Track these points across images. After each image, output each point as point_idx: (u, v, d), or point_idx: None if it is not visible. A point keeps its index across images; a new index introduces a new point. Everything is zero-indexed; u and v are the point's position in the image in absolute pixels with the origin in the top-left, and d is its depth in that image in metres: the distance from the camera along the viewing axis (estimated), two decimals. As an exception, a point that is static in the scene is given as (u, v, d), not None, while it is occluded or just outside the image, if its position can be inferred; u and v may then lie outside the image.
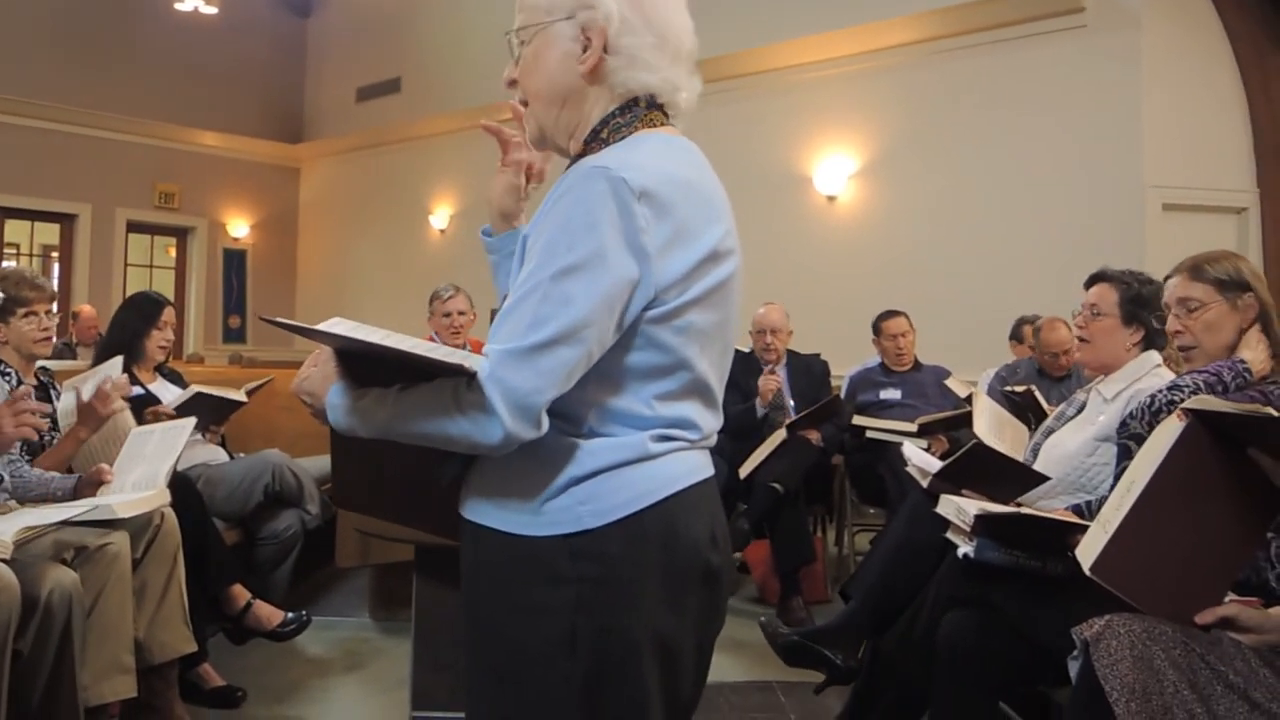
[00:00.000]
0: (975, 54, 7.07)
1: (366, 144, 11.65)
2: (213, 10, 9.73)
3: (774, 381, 4.91)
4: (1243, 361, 2.27)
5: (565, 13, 1.35)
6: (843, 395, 5.23)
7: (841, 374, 5.56)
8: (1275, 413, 1.51)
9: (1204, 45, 6.62)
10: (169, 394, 3.84)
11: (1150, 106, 6.45)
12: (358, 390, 1.29)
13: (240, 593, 3.36)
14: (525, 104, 1.43)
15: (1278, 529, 2.15)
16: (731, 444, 4.79)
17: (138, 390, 3.67)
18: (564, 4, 1.35)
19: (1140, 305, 2.79)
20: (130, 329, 3.81)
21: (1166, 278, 2.45)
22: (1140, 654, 1.60)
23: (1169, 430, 1.64)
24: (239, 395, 3.83)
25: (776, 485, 4.44)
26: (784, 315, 5.14)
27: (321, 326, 1.26)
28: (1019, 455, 2.92)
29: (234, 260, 12.16)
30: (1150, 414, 2.26)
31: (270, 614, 3.37)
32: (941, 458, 3.20)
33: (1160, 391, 2.30)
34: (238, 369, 7.65)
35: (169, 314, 3.88)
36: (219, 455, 3.96)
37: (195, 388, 3.79)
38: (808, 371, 5.19)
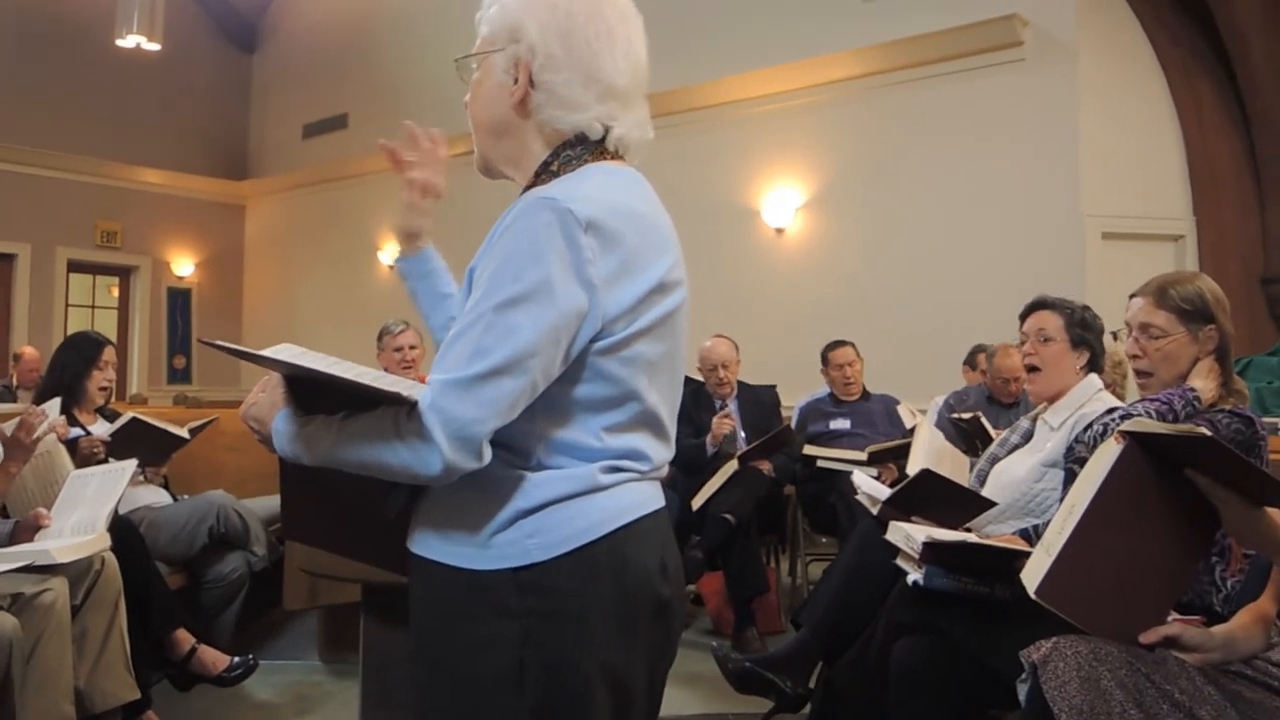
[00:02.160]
0: (918, 87, 7.21)
1: (313, 180, 11.59)
2: (155, 47, 9.61)
3: (727, 425, 4.90)
4: (1193, 390, 2.30)
5: (501, 44, 1.36)
6: (793, 425, 5.26)
7: (792, 404, 5.59)
8: (1208, 432, 1.54)
9: (1138, 77, 6.81)
10: (109, 435, 3.78)
11: (1087, 137, 6.61)
12: (303, 417, 1.28)
13: (184, 637, 3.29)
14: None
15: (1220, 552, 2.19)
16: (683, 477, 4.80)
17: (77, 432, 3.60)
18: (500, 36, 1.36)
19: (1085, 329, 2.83)
20: (70, 370, 3.73)
21: (1132, 296, 2.46)
22: (1087, 675, 1.62)
23: (1108, 453, 1.66)
24: (179, 430, 3.76)
25: (729, 516, 4.44)
26: (732, 348, 5.16)
27: (268, 352, 1.26)
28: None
29: (178, 299, 12.00)
30: (1101, 440, 2.28)
31: (216, 659, 3.30)
32: (891, 485, 3.22)
33: (1113, 419, 2.31)
34: (183, 410, 7.53)
35: (109, 354, 3.80)
36: (162, 497, 3.89)
37: (132, 414, 3.70)
38: (758, 402, 5.21)
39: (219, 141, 12.30)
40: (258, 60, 12.64)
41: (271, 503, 4.29)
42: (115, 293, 11.93)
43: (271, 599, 4.06)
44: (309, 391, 1.29)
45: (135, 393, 10.96)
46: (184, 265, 11.97)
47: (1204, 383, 2.31)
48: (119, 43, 9.55)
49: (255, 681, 3.47)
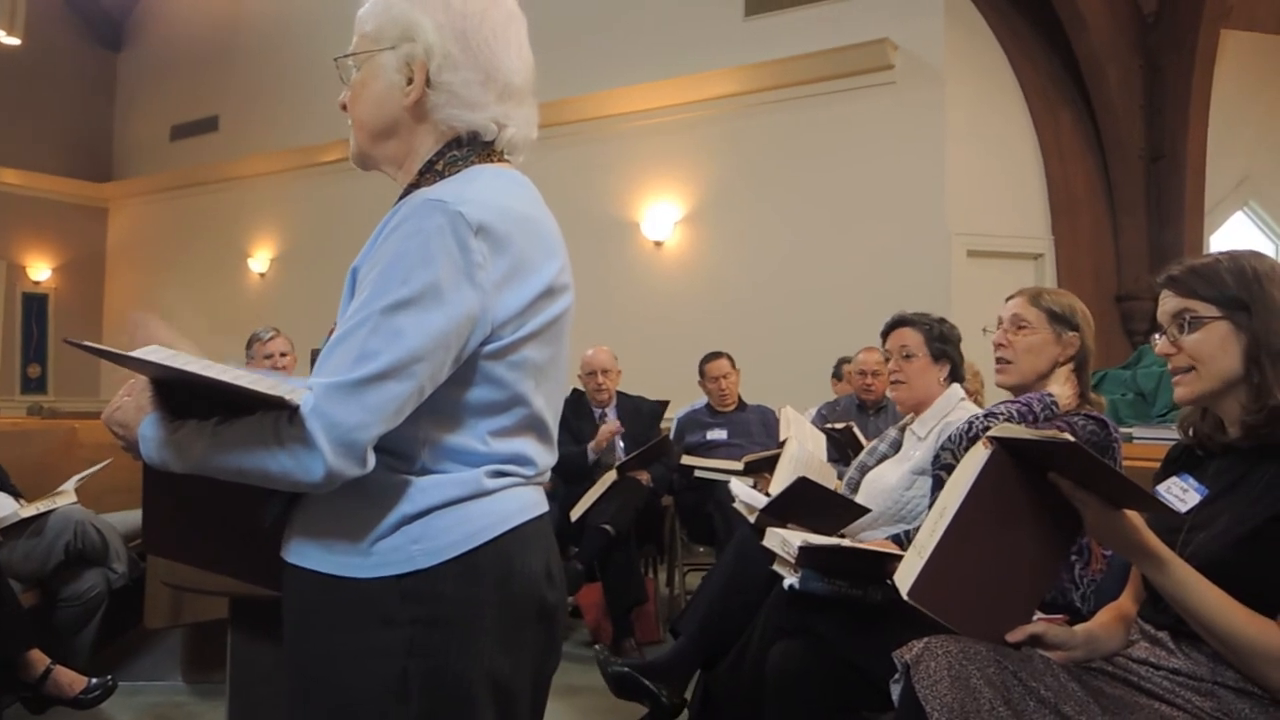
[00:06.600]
0: (793, 107, 7.37)
1: (181, 184, 11.18)
2: (15, 41, 9.17)
3: (612, 429, 4.92)
4: (1051, 395, 2.43)
5: (390, 43, 1.33)
6: (671, 436, 5.30)
7: (671, 415, 5.63)
8: (1071, 438, 1.61)
9: (1002, 102, 7.11)
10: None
11: (954, 159, 6.86)
12: (174, 422, 1.21)
13: (39, 658, 3.15)
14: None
15: (1079, 552, 2.29)
16: (563, 487, 4.78)
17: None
18: (389, 34, 1.33)
19: (945, 341, 2.96)
20: None
21: (1009, 299, 2.60)
22: (957, 674, 1.66)
23: (976, 457, 1.71)
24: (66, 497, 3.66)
25: (608, 527, 4.44)
26: (612, 357, 5.19)
27: (136, 353, 1.19)
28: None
29: (34, 305, 11.42)
30: (968, 441, 2.37)
31: (72, 680, 3.17)
32: (767, 494, 3.26)
33: (978, 419, 2.41)
34: (37, 420, 7.18)
35: None
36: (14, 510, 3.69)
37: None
38: (637, 412, 5.23)
39: (81, 141, 11.77)
40: (124, 59, 12.15)
41: (132, 517, 4.11)
42: (-36, 297, 11.32)
43: (133, 617, 3.90)
44: (180, 395, 1.23)
45: (-15, 403, 10.41)
46: (40, 270, 11.41)
47: (1061, 389, 2.46)
48: (-25, 35, 9.09)
49: (114, 703, 3.34)
